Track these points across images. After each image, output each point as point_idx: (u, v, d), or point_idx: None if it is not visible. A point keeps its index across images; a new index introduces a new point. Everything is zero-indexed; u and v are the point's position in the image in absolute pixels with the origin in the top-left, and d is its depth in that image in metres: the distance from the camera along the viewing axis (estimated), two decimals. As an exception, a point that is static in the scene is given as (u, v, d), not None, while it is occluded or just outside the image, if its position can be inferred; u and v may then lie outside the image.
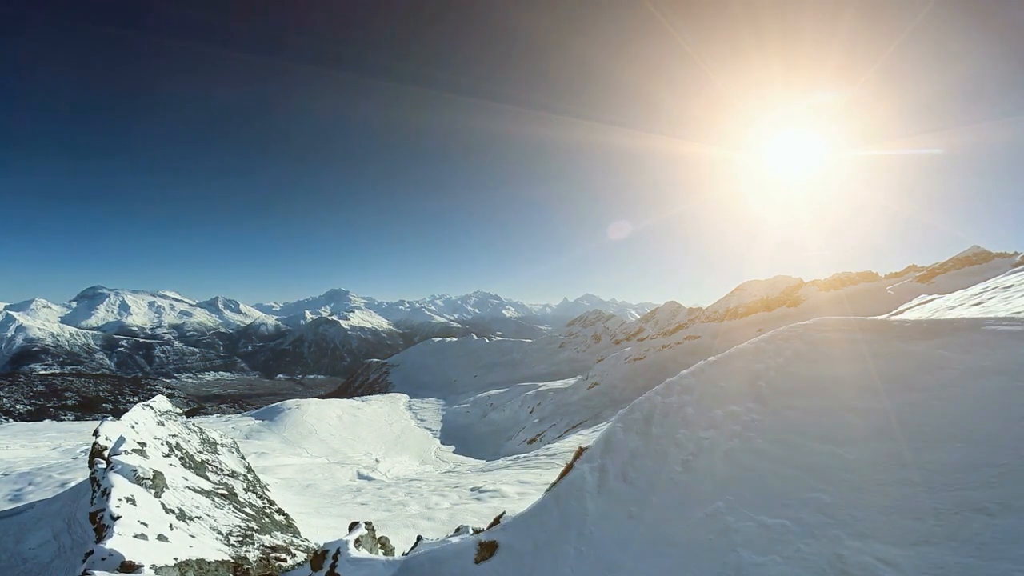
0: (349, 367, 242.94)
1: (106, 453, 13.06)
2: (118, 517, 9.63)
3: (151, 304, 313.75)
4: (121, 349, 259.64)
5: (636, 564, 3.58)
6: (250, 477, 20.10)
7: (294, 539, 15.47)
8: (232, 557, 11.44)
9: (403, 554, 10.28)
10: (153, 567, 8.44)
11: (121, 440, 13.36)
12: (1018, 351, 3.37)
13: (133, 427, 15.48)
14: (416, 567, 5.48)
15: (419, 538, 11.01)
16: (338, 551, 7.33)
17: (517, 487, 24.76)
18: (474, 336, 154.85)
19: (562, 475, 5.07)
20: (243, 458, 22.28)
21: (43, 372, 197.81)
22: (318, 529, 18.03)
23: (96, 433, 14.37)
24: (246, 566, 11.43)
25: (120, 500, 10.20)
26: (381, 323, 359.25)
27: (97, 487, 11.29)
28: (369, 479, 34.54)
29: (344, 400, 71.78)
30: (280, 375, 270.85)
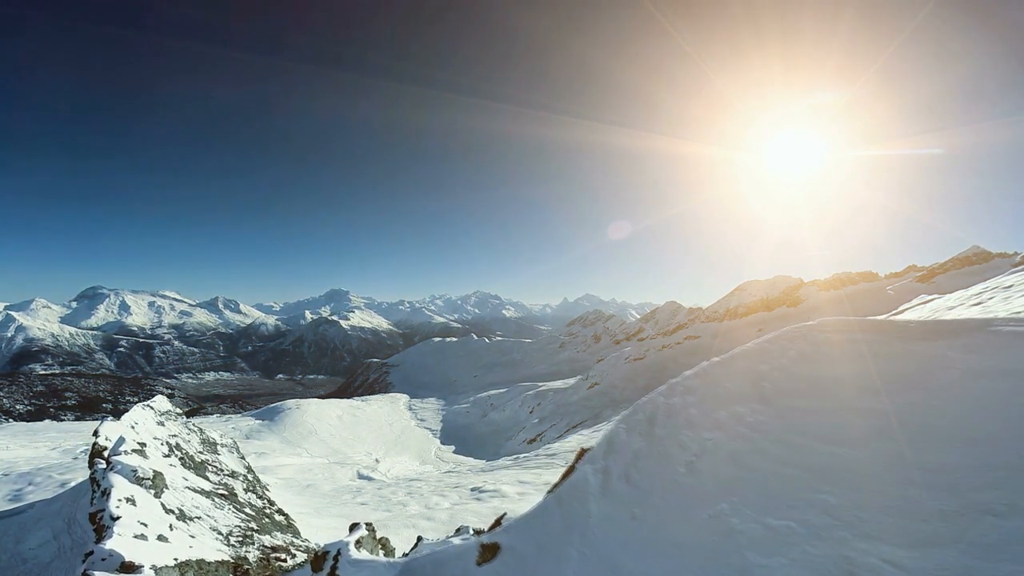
0: (349, 367, 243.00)
1: (106, 453, 13.04)
2: (118, 517, 9.60)
3: (151, 304, 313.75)
4: (121, 349, 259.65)
5: (640, 566, 3.56)
6: (250, 477, 20.08)
7: (294, 539, 15.45)
8: (232, 557, 11.42)
9: (403, 555, 10.26)
10: (153, 567, 8.41)
11: (121, 440, 13.34)
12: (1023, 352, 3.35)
13: (133, 427, 15.46)
14: (417, 569, 5.45)
15: (419, 538, 10.99)
16: (339, 552, 7.30)
17: (517, 487, 24.75)
18: (474, 336, 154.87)
19: (564, 476, 5.04)
20: (243, 458, 22.26)
21: (43, 372, 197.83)
22: (318, 529, 18.02)
23: (96, 433, 14.34)
24: (246, 566, 11.40)
25: (120, 500, 10.17)
26: (381, 323, 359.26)
27: (97, 487, 11.27)
28: (369, 479, 34.52)
29: (344, 400, 71.79)
30: (280, 375, 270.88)
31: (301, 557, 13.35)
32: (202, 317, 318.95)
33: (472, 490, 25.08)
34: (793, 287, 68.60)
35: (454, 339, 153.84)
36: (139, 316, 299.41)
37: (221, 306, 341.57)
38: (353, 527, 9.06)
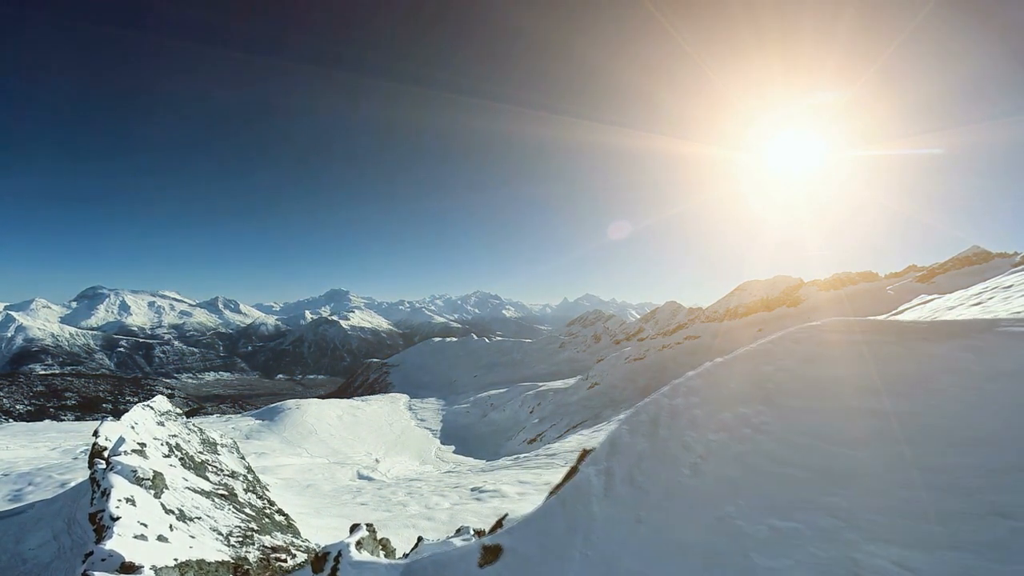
0: (349, 367, 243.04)
1: (106, 453, 13.01)
2: (118, 518, 9.57)
3: (151, 304, 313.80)
4: (121, 349, 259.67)
5: (645, 569, 3.53)
6: (250, 477, 20.05)
7: (294, 539, 15.42)
8: (232, 558, 11.39)
9: (403, 555, 10.23)
10: (153, 568, 8.39)
11: (121, 440, 13.31)
12: (1033, 352, 3.31)
13: (133, 427, 15.43)
14: (419, 571, 5.42)
15: (420, 539, 10.96)
16: (339, 554, 7.27)
17: (517, 487, 24.72)
18: (474, 336, 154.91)
19: (566, 478, 5.01)
20: (243, 458, 22.23)
21: (43, 372, 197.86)
22: (318, 529, 17.99)
23: (96, 433, 14.31)
24: (246, 567, 11.37)
25: (120, 501, 10.15)
26: (381, 323, 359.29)
27: (97, 488, 11.24)
28: (369, 479, 34.50)
29: (344, 400, 71.79)
30: (280, 375, 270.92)
31: (301, 557, 13.32)
32: (202, 317, 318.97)
33: (472, 490, 25.06)
34: (793, 287, 68.61)
35: (454, 339, 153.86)
36: (139, 316, 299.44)
37: (221, 306, 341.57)
38: (354, 528, 9.03)
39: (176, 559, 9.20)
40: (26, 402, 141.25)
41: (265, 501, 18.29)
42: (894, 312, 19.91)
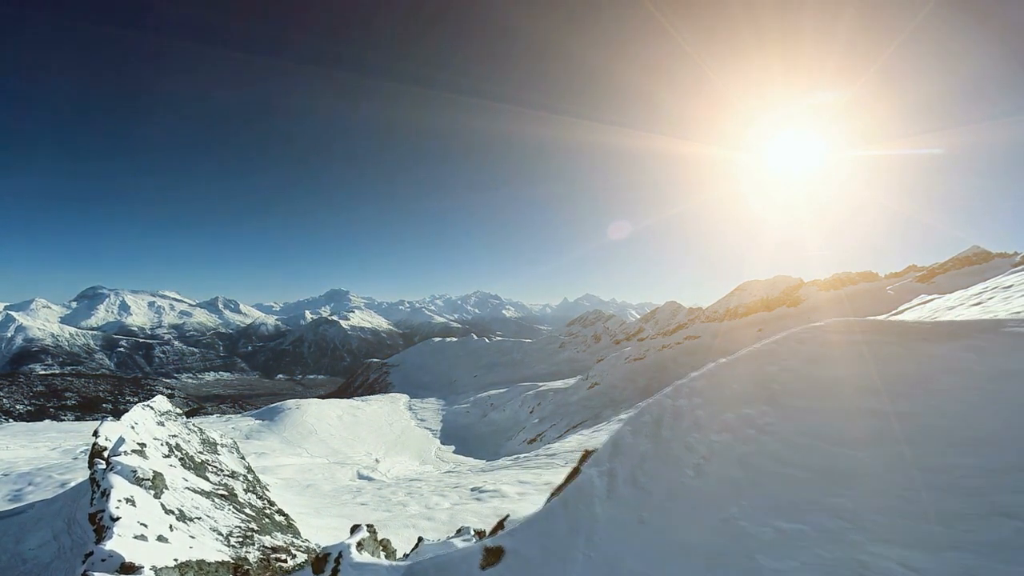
0: (349, 367, 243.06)
1: (106, 454, 12.99)
2: (118, 518, 9.56)
3: (151, 304, 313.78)
4: (121, 349, 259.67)
5: (648, 570, 3.51)
6: (250, 477, 20.03)
7: (294, 540, 15.41)
8: (232, 558, 11.37)
9: (404, 555, 10.22)
10: (153, 568, 8.37)
11: (121, 441, 13.29)
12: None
13: (133, 427, 15.41)
14: (420, 572, 5.40)
15: (420, 539, 10.95)
16: (340, 555, 7.25)
17: (517, 487, 24.71)
18: (474, 336, 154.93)
19: (568, 479, 4.99)
20: (243, 458, 22.21)
21: (43, 372, 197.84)
22: (318, 529, 17.98)
23: (96, 433, 14.30)
24: (246, 567, 11.36)
25: (120, 501, 10.13)
26: (381, 323, 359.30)
27: (97, 488, 11.22)
28: (369, 479, 34.49)
29: (344, 400, 71.79)
30: (280, 375, 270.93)
31: (301, 557, 13.31)
32: (202, 317, 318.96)
33: (472, 490, 25.04)
34: (793, 287, 68.61)
35: (454, 339, 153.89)
36: (139, 316, 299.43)
37: (221, 306, 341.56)
38: (354, 529, 9.02)
39: (176, 559, 9.18)
40: (26, 402, 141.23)
41: (265, 501, 18.27)
42: (894, 312, 19.90)
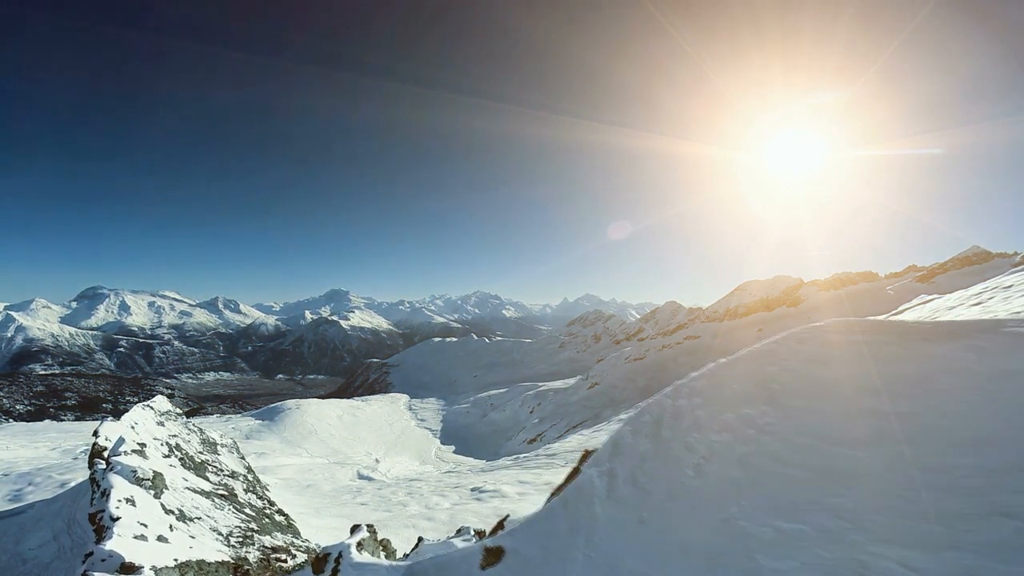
0: (349, 367, 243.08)
1: (106, 454, 12.99)
2: (118, 518, 9.56)
3: (151, 304, 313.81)
4: (121, 349, 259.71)
5: (648, 570, 3.51)
6: (250, 477, 20.03)
7: (294, 540, 15.40)
8: (232, 558, 11.37)
9: (404, 555, 10.22)
10: (153, 568, 8.37)
11: (121, 441, 13.29)
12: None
13: (133, 427, 15.41)
14: (420, 572, 5.40)
15: (420, 539, 10.95)
16: (340, 555, 7.25)
17: (517, 487, 24.70)
18: (474, 336, 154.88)
19: (568, 479, 4.99)
20: (243, 458, 22.21)
21: (43, 372, 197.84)
22: (318, 529, 17.97)
23: (96, 433, 14.29)
24: (246, 567, 11.35)
25: (120, 501, 10.13)
26: (381, 323, 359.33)
27: (97, 488, 11.22)
28: (369, 479, 34.49)
29: (344, 400, 71.78)
30: (280, 375, 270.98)
31: (301, 557, 13.31)
32: (202, 317, 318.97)
33: (472, 490, 25.04)
34: (793, 287, 68.58)
35: (454, 339, 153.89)
36: (139, 316, 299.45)
37: (221, 306, 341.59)
38: (354, 529, 9.02)
39: (176, 559, 9.18)
40: (26, 402, 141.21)
41: (265, 501, 18.27)
42: (894, 312, 19.91)
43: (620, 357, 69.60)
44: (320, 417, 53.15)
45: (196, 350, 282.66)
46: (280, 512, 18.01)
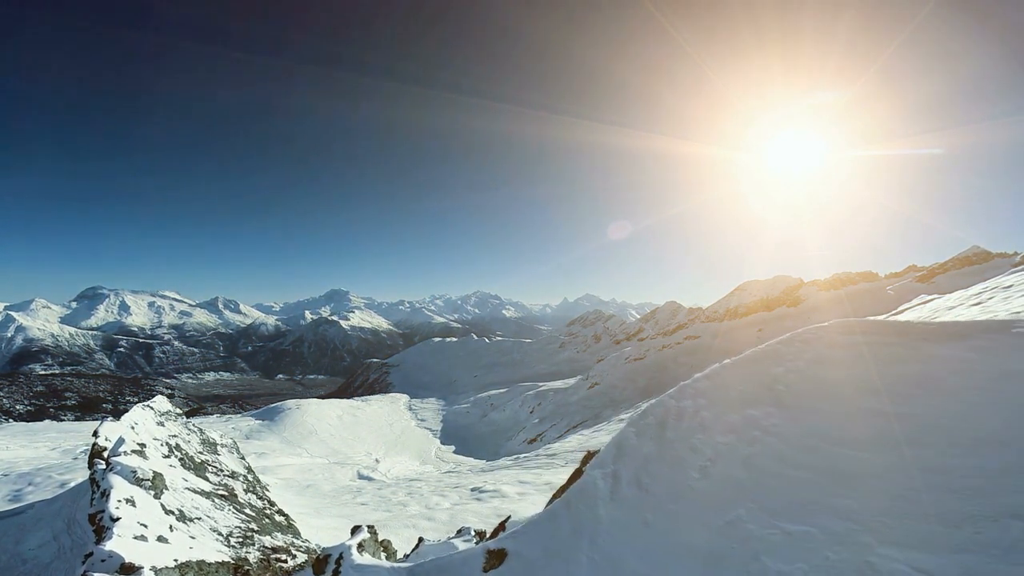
0: (349, 367, 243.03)
1: (105, 454, 12.95)
2: (118, 519, 9.52)
3: (151, 304, 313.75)
4: (121, 349, 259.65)
5: (652, 572, 3.48)
6: (250, 478, 19.99)
7: (294, 540, 15.37)
8: (232, 558, 11.33)
9: (404, 556, 10.19)
10: (153, 568, 8.33)
11: (121, 441, 13.25)
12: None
13: (133, 428, 15.37)
14: (421, 575, 5.37)
15: (420, 539, 10.92)
16: (341, 556, 7.22)
17: (517, 487, 24.66)
18: (474, 336, 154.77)
19: (571, 480, 4.96)
20: (243, 458, 22.17)
21: (43, 372, 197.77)
22: (318, 530, 17.94)
23: (96, 434, 14.25)
24: (247, 567, 11.32)
25: (119, 501, 10.09)
26: (381, 323, 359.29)
27: (96, 488, 11.19)
28: (369, 479, 34.44)
29: (344, 400, 71.71)
30: (280, 375, 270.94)
31: (301, 558, 13.27)
32: (202, 317, 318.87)
33: (472, 490, 24.99)
34: (793, 287, 68.51)
35: (454, 339, 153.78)
36: (139, 316, 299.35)
37: (221, 306, 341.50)
38: (355, 530, 8.98)
39: (176, 560, 9.14)
40: (26, 402, 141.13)
41: (265, 501, 18.23)
42: (894, 312, 19.90)
43: (620, 357, 69.56)
44: (320, 417, 53.09)
45: (196, 350, 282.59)
46: (280, 512, 17.97)
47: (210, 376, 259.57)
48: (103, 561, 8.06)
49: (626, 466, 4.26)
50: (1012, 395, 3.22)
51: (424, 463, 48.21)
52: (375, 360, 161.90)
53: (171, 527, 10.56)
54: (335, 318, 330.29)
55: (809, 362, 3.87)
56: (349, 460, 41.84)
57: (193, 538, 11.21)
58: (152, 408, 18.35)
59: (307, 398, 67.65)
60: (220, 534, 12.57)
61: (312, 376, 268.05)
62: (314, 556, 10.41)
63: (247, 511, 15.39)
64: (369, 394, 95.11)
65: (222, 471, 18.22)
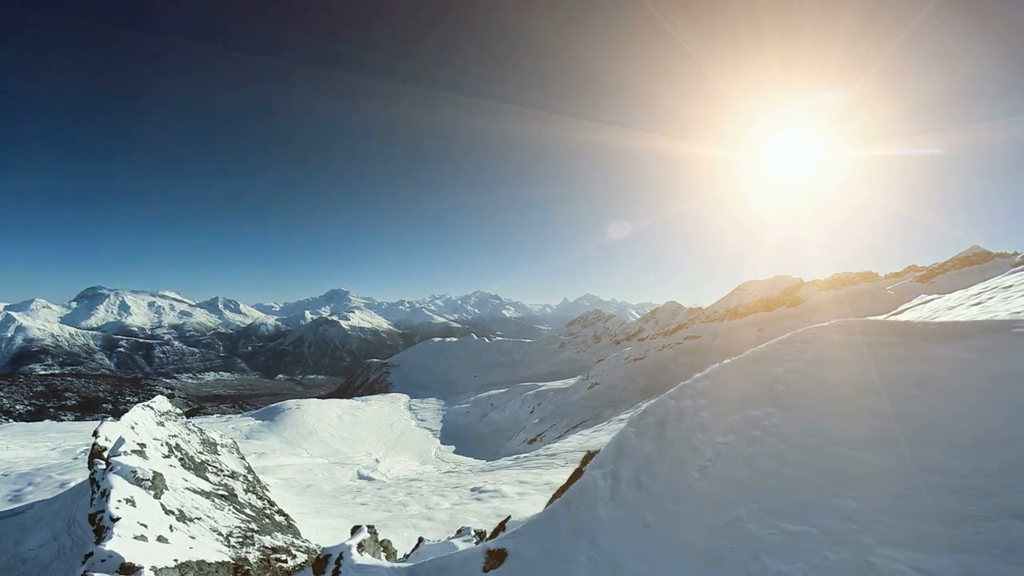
0: (349, 367, 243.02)
1: (105, 454, 12.95)
2: (118, 519, 9.52)
3: (151, 304, 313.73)
4: (121, 349, 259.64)
5: (652, 572, 3.48)
6: (250, 478, 19.99)
7: (294, 540, 15.37)
8: (232, 558, 11.33)
9: (404, 556, 10.19)
10: (153, 568, 8.33)
11: (121, 441, 13.25)
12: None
13: (133, 428, 15.37)
14: (422, 575, 5.37)
15: (420, 539, 10.92)
16: (341, 556, 7.22)
17: (517, 487, 24.65)
18: (474, 336, 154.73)
19: (571, 480, 4.96)
20: (243, 458, 22.17)
21: (43, 372, 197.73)
22: (318, 530, 17.93)
23: (96, 434, 14.25)
24: (247, 567, 11.32)
25: (119, 501, 10.09)
26: (381, 323, 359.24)
27: (96, 488, 11.19)
28: (369, 479, 34.43)
29: (344, 400, 71.69)
30: (280, 375, 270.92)
31: (301, 558, 13.27)
32: (202, 317, 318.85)
33: (472, 490, 24.99)
34: (793, 287, 68.49)
35: (454, 339, 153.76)
36: (139, 316, 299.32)
37: (221, 306, 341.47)
38: (355, 530, 8.98)
39: (176, 560, 9.14)
40: (26, 402, 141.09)
41: (265, 501, 18.23)
42: (894, 312, 19.90)
43: (620, 357, 69.54)
44: (320, 417, 53.08)
45: (196, 350, 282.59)
46: (280, 512, 17.98)
47: (210, 376, 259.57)
48: (103, 561, 8.06)
49: (626, 466, 4.25)
50: (1012, 395, 3.22)
51: (424, 463, 48.20)
52: (375, 360, 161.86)
53: (171, 527, 10.56)
54: (335, 318, 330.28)
55: (809, 362, 3.87)
56: (349, 460, 41.83)
57: (193, 538, 11.21)
58: (152, 408, 18.35)
59: (307, 398, 67.63)
60: (220, 534, 12.57)
61: (312, 376, 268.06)
62: (314, 556, 10.41)
63: (247, 511, 15.39)
64: (369, 394, 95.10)
65: (222, 471, 18.22)
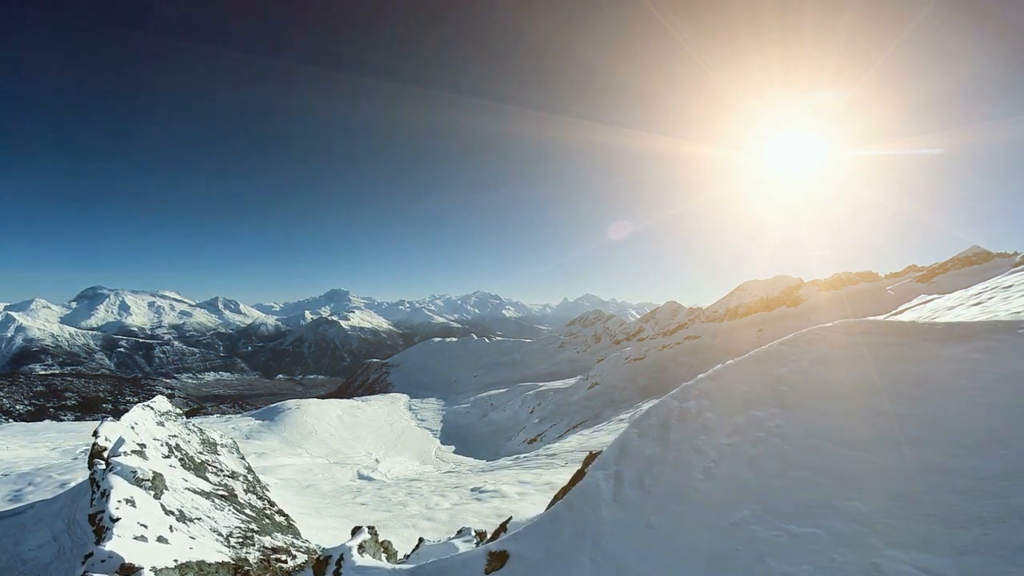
0: (349, 367, 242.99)
1: (105, 454, 12.93)
2: (118, 519, 9.50)
3: (151, 304, 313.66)
4: (121, 349, 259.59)
5: (656, 574, 3.46)
6: (250, 478, 19.97)
7: (295, 540, 15.35)
8: (232, 559, 11.31)
9: (404, 556, 10.17)
10: (153, 569, 8.31)
11: (120, 441, 13.23)
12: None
13: (133, 428, 15.35)
14: None
15: (421, 540, 10.90)
16: (341, 557, 7.20)
17: (517, 487, 24.62)
18: (474, 336, 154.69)
19: (573, 481, 4.94)
20: (243, 459, 22.15)
21: (43, 372, 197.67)
22: (318, 530, 17.91)
23: (96, 434, 14.23)
24: (247, 567, 11.30)
25: (119, 502, 10.07)
26: (381, 323, 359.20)
27: (96, 488, 11.17)
28: (369, 479, 34.41)
29: (344, 400, 71.67)
30: (280, 375, 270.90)
31: (301, 558, 13.24)
32: (202, 317, 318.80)
33: (472, 490, 24.96)
34: (793, 287, 68.46)
35: (454, 339, 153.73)
36: (139, 316, 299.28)
37: (221, 306, 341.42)
38: (355, 531, 8.96)
39: (176, 560, 9.12)
40: (26, 402, 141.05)
41: (265, 501, 18.21)
42: (894, 312, 19.86)
43: (620, 357, 69.52)
44: (320, 417, 53.06)
45: (196, 350, 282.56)
46: (280, 512, 17.95)
47: (210, 376, 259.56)
48: (103, 561, 8.03)
49: (629, 467, 4.23)
50: (1015, 396, 3.20)
51: (424, 463, 48.18)
52: (375, 360, 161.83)
53: (171, 527, 10.54)
54: (335, 318, 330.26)
55: (812, 363, 3.85)
56: (349, 460, 41.80)
57: (193, 538, 11.19)
58: (152, 408, 18.33)
59: (307, 398, 67.61)
60: (220, 534, 12.55)
61: (312, 376, 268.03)
62: (314, 556, 10.39)
63: (247, 511, 15.37)
64: (369, 394, 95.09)
65: (222, 471, 18.20)
